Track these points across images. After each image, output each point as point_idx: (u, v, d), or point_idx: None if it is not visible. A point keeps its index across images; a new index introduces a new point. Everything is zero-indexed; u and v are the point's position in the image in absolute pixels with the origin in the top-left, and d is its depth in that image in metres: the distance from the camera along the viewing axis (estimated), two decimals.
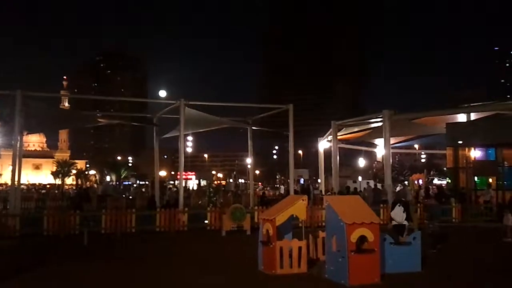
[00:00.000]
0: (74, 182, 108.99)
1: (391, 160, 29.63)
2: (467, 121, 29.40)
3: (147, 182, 75.51)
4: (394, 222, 14.11)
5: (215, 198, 30.85)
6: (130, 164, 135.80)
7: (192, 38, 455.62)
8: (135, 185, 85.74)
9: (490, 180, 30.01)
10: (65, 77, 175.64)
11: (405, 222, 14.05)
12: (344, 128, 34.41)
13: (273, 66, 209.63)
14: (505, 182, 28.13)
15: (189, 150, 61.91)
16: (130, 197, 39.68)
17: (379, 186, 33.54)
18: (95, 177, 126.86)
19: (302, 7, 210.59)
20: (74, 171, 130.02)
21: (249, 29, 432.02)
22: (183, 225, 22.03)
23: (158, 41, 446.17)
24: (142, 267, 13.11)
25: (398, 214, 14.14)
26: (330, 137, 34.03)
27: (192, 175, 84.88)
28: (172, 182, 62.41)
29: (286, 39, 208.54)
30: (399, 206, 14.36)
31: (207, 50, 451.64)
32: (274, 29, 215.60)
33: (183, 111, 24.93)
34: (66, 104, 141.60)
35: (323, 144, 36.54)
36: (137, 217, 21.46)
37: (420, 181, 47.69)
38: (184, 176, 35.20)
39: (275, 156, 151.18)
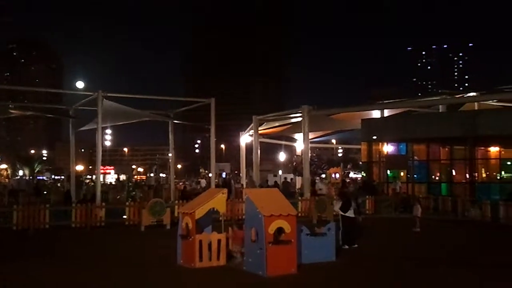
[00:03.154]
0: None
1: (309, 154, 30.44)
2: (380, 117, 30.84)
3: (62, 177, 72.68)
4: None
5: (134, 193, 30.31)
6: (44, 158, 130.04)
7: (114, 32, 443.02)
8: (50, 180, 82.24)
9: (402, 173, 31.63)
10: None
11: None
12: (265, 123, 34.92)
13: (197, 61, 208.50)
14: (415, 176, 29.72)
15: (107, 143, 60.38)
16: (45, 192, 38.00)
17: (288, 179, 34.62)
18: (7, 171, 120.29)
19: (225, 6, 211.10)
20: None
21: (174, 24, 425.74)
22: (101, 220, 21.44)
23: (77, 32, 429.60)
24: (53, 265, 12.62)
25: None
26: (251, 132, 34.40)
27: (110, 169, 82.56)
28: (89, 177, 60.30)
29: (209, 36, 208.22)
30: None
31: (130, 44, 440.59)
32: (198, 26, 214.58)
33: (100, 103, 24.23)
34: None
35: (245, 138, 36.89)
36: (52, 213, 20.66)
37: (337, 175, 49.23)
38: (102, 171, 34.26)
39: (197, 150, 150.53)
